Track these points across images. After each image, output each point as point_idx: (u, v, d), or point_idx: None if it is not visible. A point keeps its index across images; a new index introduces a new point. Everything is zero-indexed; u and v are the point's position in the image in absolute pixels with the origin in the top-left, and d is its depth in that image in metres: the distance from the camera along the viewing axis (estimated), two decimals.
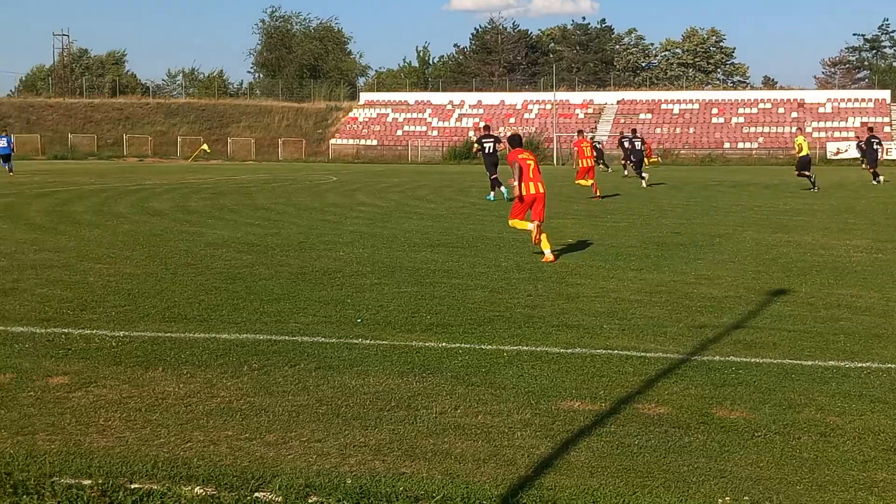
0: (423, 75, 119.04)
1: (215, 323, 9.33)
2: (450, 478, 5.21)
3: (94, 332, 8.84)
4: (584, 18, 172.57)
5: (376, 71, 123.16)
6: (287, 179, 43.47)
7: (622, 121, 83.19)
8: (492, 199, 28.27)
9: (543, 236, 14.50)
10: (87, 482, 4.99)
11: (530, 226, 14.69)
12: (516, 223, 15.06)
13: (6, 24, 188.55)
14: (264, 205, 26.13)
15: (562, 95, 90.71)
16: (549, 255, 14.30)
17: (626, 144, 39.89)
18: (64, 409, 6.40)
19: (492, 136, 29.24)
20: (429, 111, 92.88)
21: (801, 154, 34.68)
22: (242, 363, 7.69)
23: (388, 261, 14.16)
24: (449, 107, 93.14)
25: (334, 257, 14.51)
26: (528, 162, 15.00)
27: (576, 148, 32.82)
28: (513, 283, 12.04)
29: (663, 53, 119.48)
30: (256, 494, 4.91)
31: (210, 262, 13.74)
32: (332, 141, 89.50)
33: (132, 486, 4.95)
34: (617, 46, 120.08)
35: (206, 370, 7.47)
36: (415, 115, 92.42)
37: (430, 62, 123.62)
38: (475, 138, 33.19)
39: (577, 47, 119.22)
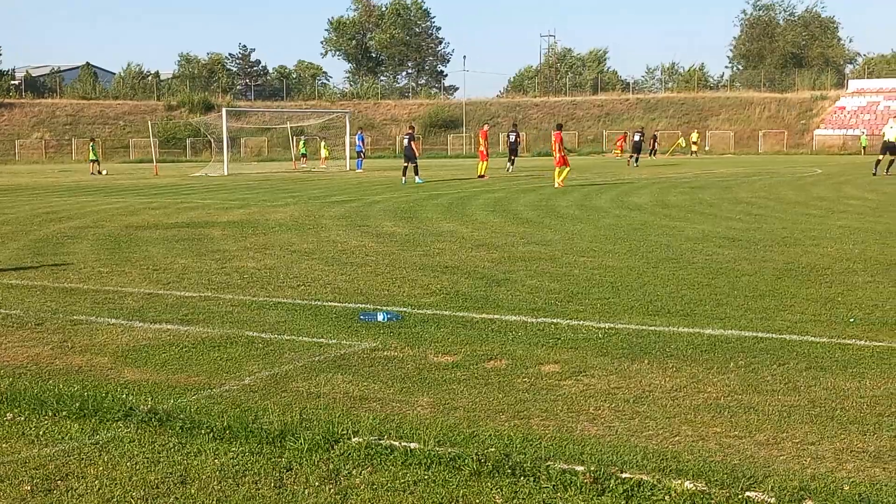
0: None
1: (699, 318, 9.25)
2: None
3: (581, 322, 9.11)
4: None
5: (863, 56, 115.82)
6: (768, 173, 42.34)
7: None
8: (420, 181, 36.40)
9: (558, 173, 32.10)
10: (579, 468, 5.12)
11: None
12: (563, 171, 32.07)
13: (499, 30, 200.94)
14: (745, 199, 25.61)
15: None
16: (557, 184, 31.68)
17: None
18: (556, 396, 6.64)
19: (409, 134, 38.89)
20: None
21: None
22: (728, 359, 7.56)
23: (882, 257, 13.31)
24: None
25: (821, 253, 13.88)
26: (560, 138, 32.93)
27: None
28: None
29: None
30: (748, 494, 4.78)
31: (691, 257, 13.68)
32: (817, 132, 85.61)
33: (623, 476, 5.01)
34: None
35: (691, 365, 7.43)
36: None
37: None
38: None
39: None
